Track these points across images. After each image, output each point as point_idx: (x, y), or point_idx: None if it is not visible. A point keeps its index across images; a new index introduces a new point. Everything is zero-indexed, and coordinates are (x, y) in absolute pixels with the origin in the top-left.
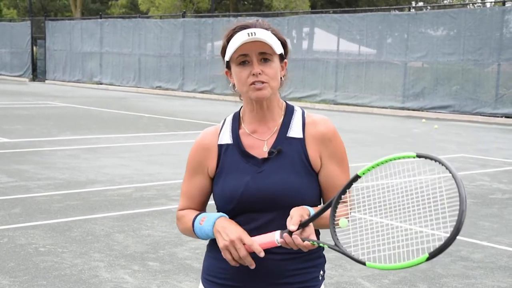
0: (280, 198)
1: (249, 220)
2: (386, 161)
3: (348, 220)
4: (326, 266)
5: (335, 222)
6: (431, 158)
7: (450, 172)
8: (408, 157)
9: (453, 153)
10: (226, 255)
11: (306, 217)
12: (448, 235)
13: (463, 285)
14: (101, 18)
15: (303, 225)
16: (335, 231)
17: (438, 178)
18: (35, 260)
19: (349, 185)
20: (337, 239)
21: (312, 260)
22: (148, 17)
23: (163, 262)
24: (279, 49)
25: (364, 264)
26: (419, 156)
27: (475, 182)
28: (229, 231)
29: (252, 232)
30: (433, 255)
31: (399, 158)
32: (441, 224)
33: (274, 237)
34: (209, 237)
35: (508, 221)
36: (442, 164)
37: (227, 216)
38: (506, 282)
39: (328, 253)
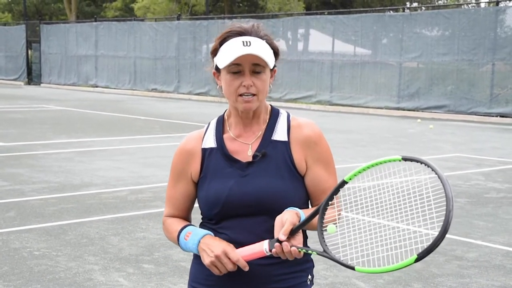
0: (265, 202)
1: (235, 224)
2: (373, 165)
3: (336, 226)
4: (321, 266)
5: (323, 228)
6: (417, 161)
7: (436, 174)
8: (394, 160)
9: (448, 152)
10: (213, 271)
11: (297, 224)
12: (436, 234)
13: (458, 284)
14: (96, 21)
15: (292, 233)
16: (323, 237)
17: (425, 180)
18: (29, 264)
19: (336, 191)
20: (326, 245)
21: (300, 264)
22: (143, 20)
23: (158, 265)
24: (272, 63)
25: (353, 268)
26: (404, 159)
27: (470, 182)
28: (213, 247)
29: (238, 237)
30: (421, 256)
31: (385, 162)
32: (428, 225)
33: (262, 247)
34: (193, 252)
35: (503, 220)
36: (428, 166)
37: (212, 234)
38: (500, 281)
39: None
